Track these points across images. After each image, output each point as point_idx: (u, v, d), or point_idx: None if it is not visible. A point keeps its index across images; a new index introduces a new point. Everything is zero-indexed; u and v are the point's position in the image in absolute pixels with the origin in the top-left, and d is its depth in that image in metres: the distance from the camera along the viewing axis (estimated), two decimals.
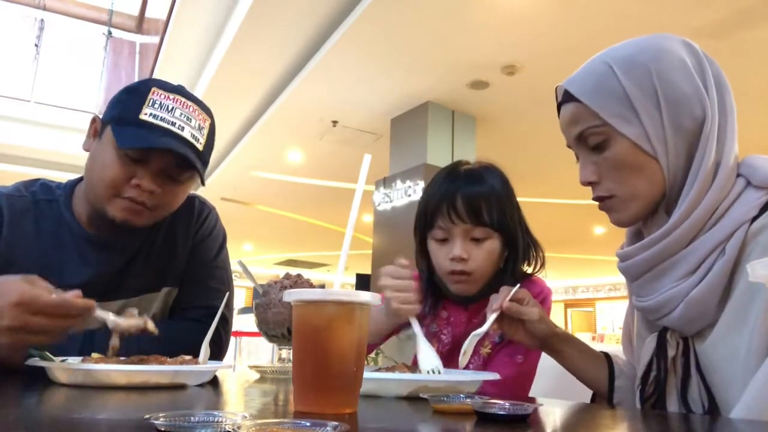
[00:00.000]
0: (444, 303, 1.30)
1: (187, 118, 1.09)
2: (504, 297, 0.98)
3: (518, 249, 1.23)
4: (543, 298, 1.23)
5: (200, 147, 1.10)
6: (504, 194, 1.22)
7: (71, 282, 0.95)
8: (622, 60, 0.84)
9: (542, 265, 1.27)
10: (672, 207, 0.85)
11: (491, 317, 0.97)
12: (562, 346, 1.02)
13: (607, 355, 1.04)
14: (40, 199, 1.15)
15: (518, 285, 1.01)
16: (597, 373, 1.02)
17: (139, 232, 1.18)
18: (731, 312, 0.78)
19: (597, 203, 0.91)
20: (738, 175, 0.83)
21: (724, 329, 0.78)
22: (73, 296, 0.82)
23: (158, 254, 1.21)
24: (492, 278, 1.23)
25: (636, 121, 0.82)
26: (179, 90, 1.12)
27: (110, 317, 0.90)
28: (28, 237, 1.11)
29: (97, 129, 1.13)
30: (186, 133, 1.07)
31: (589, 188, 0.91)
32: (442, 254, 1.21)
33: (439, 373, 0.95)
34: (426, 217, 1.24)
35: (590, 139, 0.87)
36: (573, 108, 0.88)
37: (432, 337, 1.29)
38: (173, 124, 1.06)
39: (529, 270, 1.27)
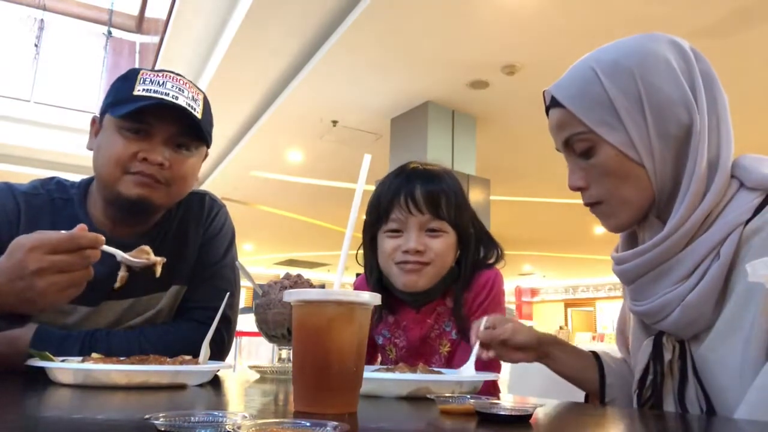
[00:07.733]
0: (391, 308, 1.27)
1: (179, 89, 1.11)
2: (477, 329, 1.00)
3: (470, 248, 1.23)
4: (491, 285, 1.22)
5: (198, 115, 1.12)
6: (461, 195, 1.22)
7: None
8: (606, 64, 0.83)
9: (498, 258, 1.27)
10: (664, 213, 0.84)
11: (475, 347, 0.99)
12: (551, 349, 1.03)
13: (595, 354, 1.05)
14: (56, 197, 1.17)
15: (485, 318, 1.01)
16: (587, 373, 1.02)
17: (150, 230, 1.19)
18: (728, 315, 0.78)
19: (589, 208, 0.91)
20: (732, 177, 0.82)
21: (721, 332, 0.78)
22: (79, 229, 0.86)
23: (168, 252, 1.21)
24: (444, 276, 1.21)
25: (621, 128, 0.81)
26: (167, 70, 1.16)
27: (119, 252, 0.94)
28: None
29: (97, 127, 1.16)
30: (181, 101, 1.10)
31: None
32: (393, 246, 1.18)
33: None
34: (379, 211, 1.21)
35: (576, 146, 0.86)
36: (559, 114, 0.87)
37: (387, 342, 1.28)
38: (166, 94, 1.09)
39: (490, 263, 1.27)
